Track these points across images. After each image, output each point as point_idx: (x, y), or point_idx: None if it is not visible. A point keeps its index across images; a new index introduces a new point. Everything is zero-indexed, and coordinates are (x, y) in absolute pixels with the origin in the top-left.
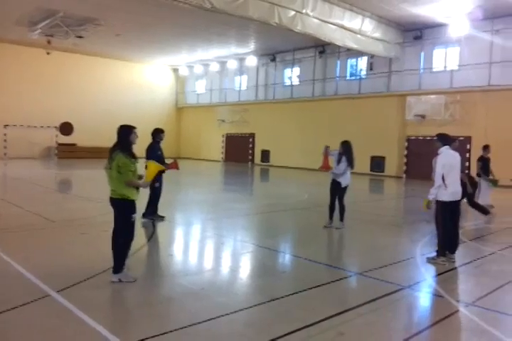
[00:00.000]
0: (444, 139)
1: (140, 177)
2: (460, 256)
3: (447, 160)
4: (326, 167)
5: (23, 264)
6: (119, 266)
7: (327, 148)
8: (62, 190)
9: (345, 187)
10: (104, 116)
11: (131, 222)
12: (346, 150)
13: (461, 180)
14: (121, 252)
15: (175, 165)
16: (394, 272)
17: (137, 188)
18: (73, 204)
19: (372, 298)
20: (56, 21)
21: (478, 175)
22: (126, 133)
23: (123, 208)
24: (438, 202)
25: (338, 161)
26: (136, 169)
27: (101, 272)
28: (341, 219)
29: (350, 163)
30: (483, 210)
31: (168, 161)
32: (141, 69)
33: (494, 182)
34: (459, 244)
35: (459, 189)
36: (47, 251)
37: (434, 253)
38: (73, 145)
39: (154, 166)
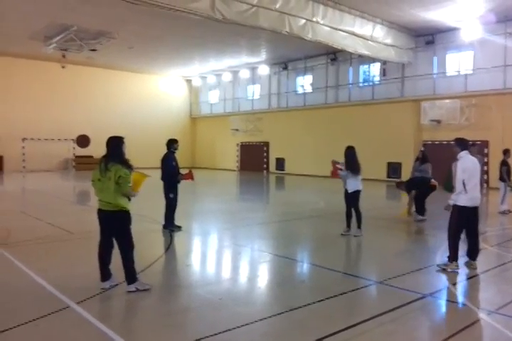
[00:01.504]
0: (463, 144)
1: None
2: (481, 262)
3: (467, 166)
4: (335, 173)
5: (43, 276)
6: (133, 276)
7: (334, 161)
8: (80, 201)
9: (354, 194)
10: (120, 128)
11: (130, 232)
12: (346, 156)
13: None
14: (131, 263)
15: (189, 176)
16: (414, 280)
17: (129, 198)
18: (91, 216)
19: (393, 306)
20: (70, 35)
21: (503, 179)
22: (117, 143)
23: (123, 219)
24: (455, 206)
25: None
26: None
27: (120, 282)
28: (359, 226)
29: (350, 168)
30: (422, 211)
31: (183, 171)
32: (155, 81)
33: None
34: (480, 251)
35: (478, 195)
36: (66, 263)
37: (446, 259)
38: (90, 157)
39: (138, 175)
